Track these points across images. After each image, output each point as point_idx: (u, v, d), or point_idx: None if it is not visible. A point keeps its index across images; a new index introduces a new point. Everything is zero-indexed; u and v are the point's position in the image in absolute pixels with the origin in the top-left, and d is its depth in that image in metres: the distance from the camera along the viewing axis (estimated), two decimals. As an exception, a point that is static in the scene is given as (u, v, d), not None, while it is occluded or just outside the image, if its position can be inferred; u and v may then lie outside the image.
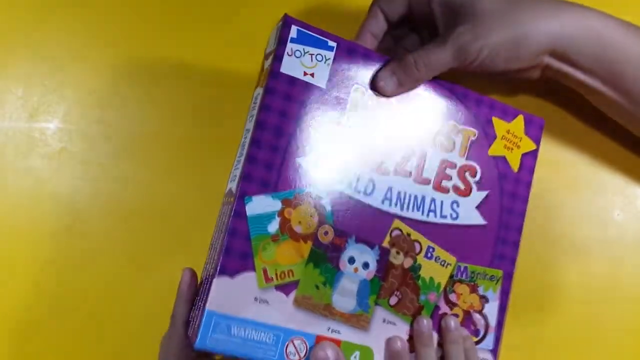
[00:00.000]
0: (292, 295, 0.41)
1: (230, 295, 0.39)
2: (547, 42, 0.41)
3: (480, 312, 0.46)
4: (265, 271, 0.40)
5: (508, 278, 0.47)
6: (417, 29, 0.49)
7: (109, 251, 0.49)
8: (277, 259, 0.40)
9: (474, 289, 0.46)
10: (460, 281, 0.46)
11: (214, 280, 0.39)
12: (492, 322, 0.47)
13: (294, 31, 0.42)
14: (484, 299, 0.47)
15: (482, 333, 0.46)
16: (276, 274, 0.40)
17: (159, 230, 0.50)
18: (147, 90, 0.51)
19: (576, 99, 0.49)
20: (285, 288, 0.40)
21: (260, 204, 0.40)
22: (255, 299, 0.40)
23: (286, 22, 0.42)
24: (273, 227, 0.40)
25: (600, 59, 0.41)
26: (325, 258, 0.42)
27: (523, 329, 0.52)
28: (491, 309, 0.47)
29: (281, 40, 0.42)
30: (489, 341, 0.46)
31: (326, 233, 0.42)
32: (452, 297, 0.46)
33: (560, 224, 0.53)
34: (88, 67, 0.50)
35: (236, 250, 0.39)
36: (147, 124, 0.50)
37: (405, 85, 0.44)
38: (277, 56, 0.42)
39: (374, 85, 0.44)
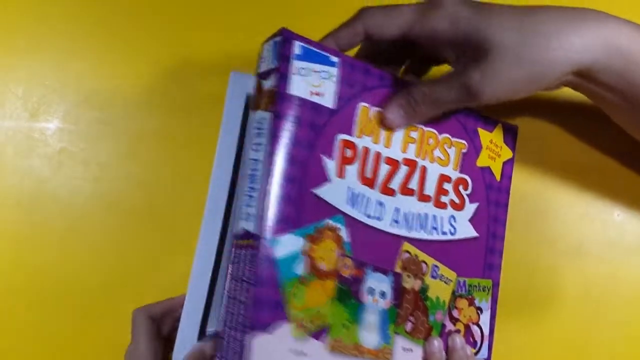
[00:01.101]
0: (326, 340, 0.37)
1: (269, 354, 0.34)
2: (568, 67, 0.40)
3: (477, 323, 0.46)
4: (298, 318, 0.36)
5: (496, 286, 0.48)
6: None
7: (109, 251, 0.49)
8: (307, 303, 0.36)
9: (471, 302, 0.46)
10: (461, 296, 0.45)
11: (254, 342, 0.34)
12: (486, 331, 0.47)
13: (297, 47, 0.38)
14: (480, 310, 0.47)
15: (479, 344, 0.47)
16: (309, 320, 0.36)
17: (159, 230, 0.49)
18: (147, 90, 0.50)
19: (577, 99, 0.50)
20: (318, 334, 0.37)
21: (285, 245, 0.36)
22: (293, 351, 0.35)
23: (286, 37, 0.37)
24: (300, 268, 0.36)
25: (623, 76, 0.40)
26: (349, 293, 0.39)
27: (523, 331, 0.53)
28: (485, 319, 0.47)
29: (283, 58, 0.37)
30: (484, 351, 0.47)
31: (347, 266, 0.39)
32: (455, 313, 0.45)
33: (560, 225, 0.54)
34: (88, 67, 0.50)
35: (267, 300, 0.35)
36: (147, 124, 0.50)
37: (412, 120, 0.42)
38: (283, 75, 0.37)
39: (381, 119, 0.41)
